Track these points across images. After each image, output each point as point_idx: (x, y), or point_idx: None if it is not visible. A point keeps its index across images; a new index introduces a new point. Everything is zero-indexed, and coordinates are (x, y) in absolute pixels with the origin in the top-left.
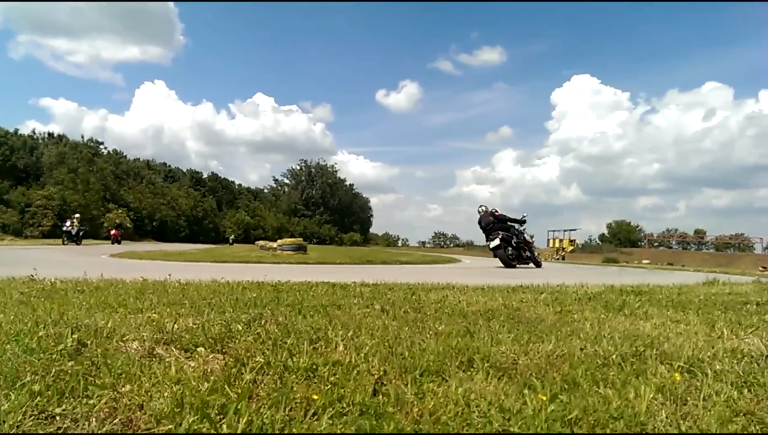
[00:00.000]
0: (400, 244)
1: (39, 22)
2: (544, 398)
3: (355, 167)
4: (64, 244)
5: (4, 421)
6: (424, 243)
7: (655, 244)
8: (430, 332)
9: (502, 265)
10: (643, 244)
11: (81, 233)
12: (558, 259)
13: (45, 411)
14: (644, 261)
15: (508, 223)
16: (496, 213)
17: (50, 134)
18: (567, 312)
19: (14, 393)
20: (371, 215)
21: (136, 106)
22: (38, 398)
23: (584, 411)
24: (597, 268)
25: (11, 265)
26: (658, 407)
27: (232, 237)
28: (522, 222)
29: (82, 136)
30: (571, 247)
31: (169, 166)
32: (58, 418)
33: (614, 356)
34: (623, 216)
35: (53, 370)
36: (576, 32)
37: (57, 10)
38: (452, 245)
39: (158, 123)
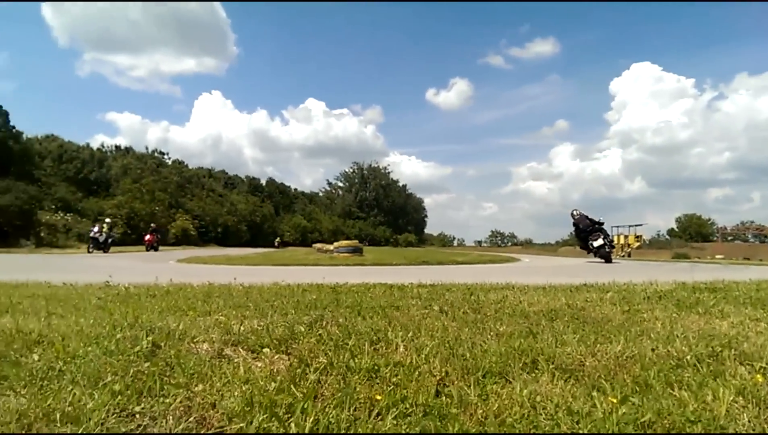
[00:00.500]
0: (455, 244)
1: (101, 40)
2: (615, 400)
3: (407, 168)
4: (89, 251)
5: (89, 419)
6: (480, 242)
7: (729, 238)
8: (491, 333)
9: (600, 260)
10: (715, 238)
11: (110, 241)
12: (623, 256)
13: (125, 409)
14: (718, 256)
15: (598, 225)
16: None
17: (117, 147)
18: (636, 311)
19: (97, 392)
20: (425, 216)
21: (195, 116)
22: (119, 397)
23: (658, 414)
24: (666, 264)
25: (88, 272)
26: (739, 410)
27: (278, 239)
28: (602, 223)
29: (147, 148)
30: (637, 243)
31: (228, 173)
32: (137, 416)
33: (689, 357)
34: (692, 209)
35: (131, 371)
36: (632, 18)
37: (117, 27)
38: (509, 244)
39: (216, 132)
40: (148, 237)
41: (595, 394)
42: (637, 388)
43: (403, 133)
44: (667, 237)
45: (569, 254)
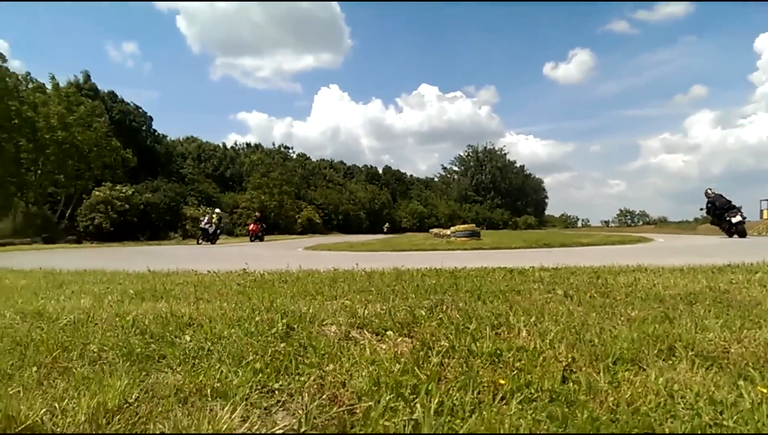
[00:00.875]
0: (579, 225)
1: (229, 45)
2: (765, 390)
3: (524, 148)
4: (198, 243)
5: (235, 394)
6: (607, 222)
7: None
8: (622, 318)
9: (735, 237)
10: None
11: (219, 232)
12: None
13: (266, 386)
14: None
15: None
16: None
17: (248, 144)
18: None
19: (241, 370)
20: (545, 196)
21: (315, 110)
22: (260, 375)
23: None
24: None
25: (227, 260)
26: None
27: (386, 225)
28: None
29: (273, 143)
30: None
31: (346, 163)
32: (276, 392)
33: None
34: None
35: (269, 351)
36: None
37: (241, 31)
38: (640, 223)
39: (335, 124)
40: (251, 226)
41: (741, 383)
42: None
43: (520, 112)
44: None
45: (709, 232)
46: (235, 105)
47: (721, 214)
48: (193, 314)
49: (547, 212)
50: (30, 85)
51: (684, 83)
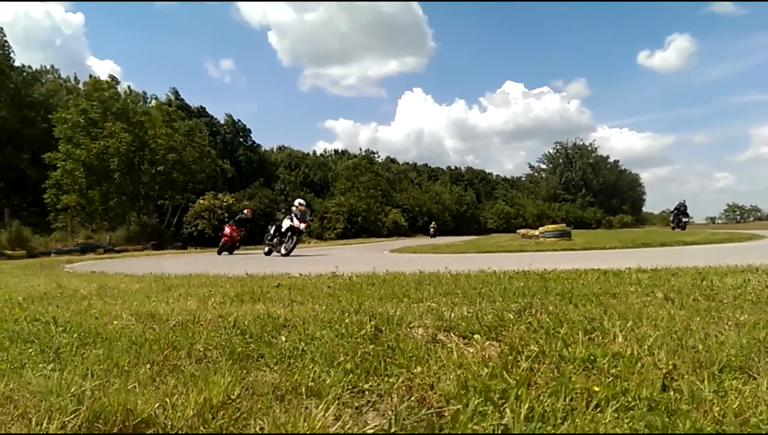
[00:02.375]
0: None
1: (317, 55)
2: None
3: (618, 142)
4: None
5: (328, 393)
6: (713, 219)
7: None
8: (729, 323)
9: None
10: None
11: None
12: None
13: (356, 386)
14: None
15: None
16: None
17: (335, 150)
18: None
19: (333, 370)
20: (643, 193)
21: (399, 114)
22: (350, 375)
23: None
24: None
25: (317, 264)
26: None
27: (433, 225)
28: None
29: (360, 149)
30: None
31: (430, 166)
32: (366, 392)
33: None
34: None
35: (359, 352)
36: None
37: (329, 41)
38: (752, 219)
39: (419, 127)
40: (227, 229)
41: None
42: None
43: (613, 105)
44: None
45: None
46: (322, 113)
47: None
48: (287, 316)
49: (645, 210)
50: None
51: None
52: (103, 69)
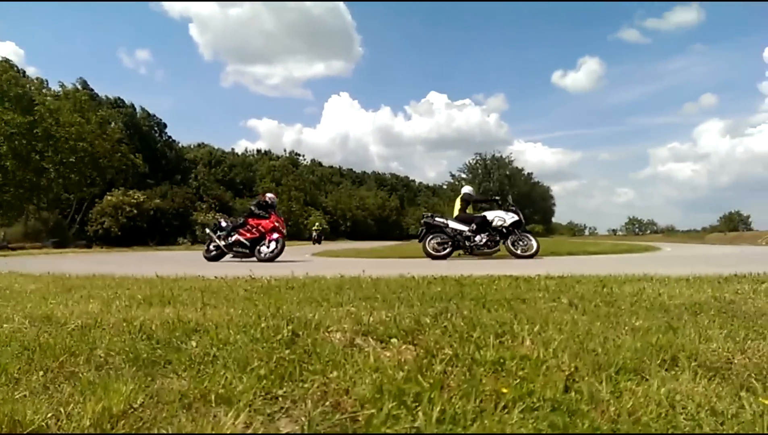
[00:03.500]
0: (587, 233)
1: (241, 52)
2: (767, 402)
3: (532, 155)
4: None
5: (239, 400)
6: (615, 231)
7: None
8: (626, 328)
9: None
10: None
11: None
12: None
13: (270, 392)
14: None
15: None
16: None
17: (258, 150)
18: None
19: (246, 376)
20: (553, 204)
21: (325, 118)
22: (264, 381)
23: None
24: None
25: (234, 267)
26: None
27: (317, 227)
28: None
29: (284, 150)
30: None
31: (355, 171)
32: (280, 399)
33: None
34: None
35: (274, 357)
36: None
37: (253, 39)
38: (648, 232)
39: (344, 131)
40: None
41: (743, 394)
42: None
43: (528, 120)
44: None
45: (717, 241)
46: (245, 112)
47: None
48: (199, 320)
49: (554, 220)
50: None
51: (694, 92)
52: (3, 51)
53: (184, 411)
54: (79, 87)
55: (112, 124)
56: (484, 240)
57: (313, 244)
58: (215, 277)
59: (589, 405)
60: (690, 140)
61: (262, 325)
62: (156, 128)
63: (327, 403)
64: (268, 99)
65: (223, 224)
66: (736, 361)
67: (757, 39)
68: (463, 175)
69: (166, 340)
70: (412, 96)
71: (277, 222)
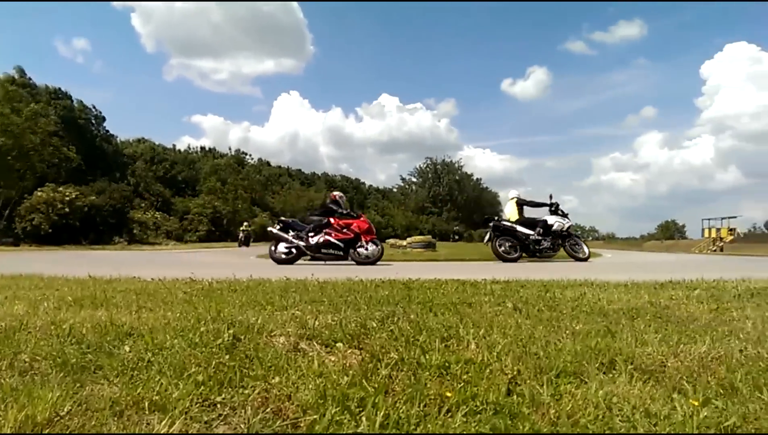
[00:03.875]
0: None
1: (186, 45)
2: (696, 403)
3: (481, 161)
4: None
5: (175, 407)
6: None
7: None
8: (567, 332)
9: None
10: None
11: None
12: (715, 250)
13: (208, 399)
14: None
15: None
16: None
17: (202, 148)
18: (724, 310)
19: (182, 382)
20: (500, 210)
21: (274, 116)
22: (202, 388)
23: (743, 418)
24: (763, 259)
25: (175, 268)
26: None
27: (243, 229)
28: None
29: (230, 148)
30: (730, 237)
31: (304, 171)
32: (219, 406)
33: None
34: None
35: (213, 363)
36: None
37: (200, 32)
38: (590, 238)
39: (293, 131)
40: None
41: (675, 396)
42: (722, 391)
43: (478, 126)
44: (765, 230)
45: (654, 249)
46: (189, 107)
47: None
48: (134, 323)
49: None
50: None
51: (636, 104)
52: None
53: (115, 419)
54: (16, 76)
55: (46, 117)
56: (549, 244)
57: (239, 246)
58: (152, 278)
59: (530, 408)
60: (631, 151)
61: (202, 329)
62: (94, 121)
63: (268, 410)
64: (214, 95)
65: (289, 223)
66: (669, 365)
67: (696, 57)
68: (414, 179)
69: (97, 345)
70: (363, 98)
71: (361, 221)
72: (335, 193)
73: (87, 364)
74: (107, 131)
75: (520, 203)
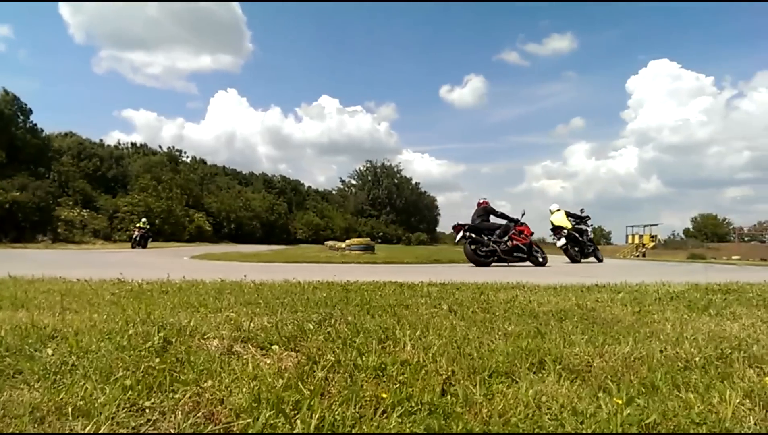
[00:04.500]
0: None
1: (117, 37)
2: (620, 402)
3: (420, 165)
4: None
5: (100, 413)
6: None
7: (746, 238)
8: (500, 333)
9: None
10: (732, 238)
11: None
12: (638, 255)
13: (136, 404)
14: (734, 257)
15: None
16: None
17: (133, 144)
18: (646, 312)
19: (108, 387)
20: (438, 214)
21: (210, 114)
22: (129, 392)
23: (663, 415)
24: (681, 265)
25: (103, 268)
26: (746, 413)
27: (139, 226)
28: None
29: (160, 146)
30: (652, 244)
31: (241, 171)
32: (147, 410)
33: (697, 359)
34: (709, 209)
35: (142, 366)
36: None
37: (133, 24)
38: None
39: (231, 129)
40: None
41: (600, 395)
42: (644, 390)
43: (417, 131)
44: (683, 237)
45: None
46: (120, 101)
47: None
48: (57, 326)
49: (438, 229)
50: None
51: (566, 115)
52: None
53: (35, 425)
54: None
55: None
56: (592, 248)
57: (133, 247)
58: (78, 279)
59: (463, 407)
60: (561, 159)
61: (130, 331)
62: (20, 114)
63: (199, 414)
64: (147, 89)
65: (476, 227)
66: (595, 365)
67: (622, 71)
68: (353, 182)
69: (17, 348)
70: (303, 98)
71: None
72: (483, 198)
73: (5, 367)
74: (34, 124)
75: (568, 214)
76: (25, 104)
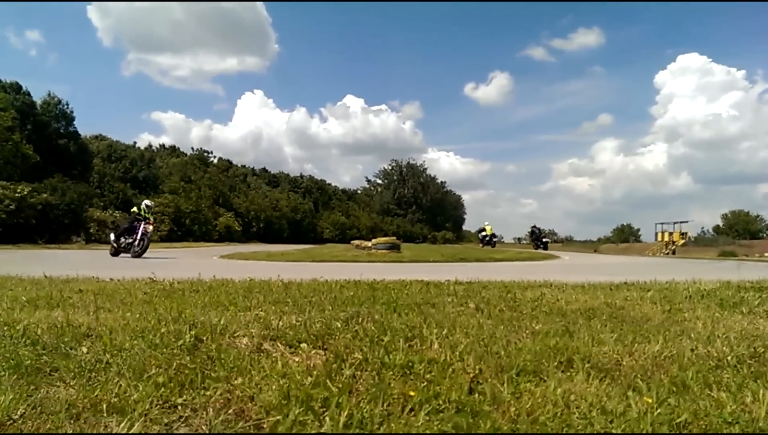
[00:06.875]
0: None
1: (145, 40)
2: (650, 401)
3: (445, 164)
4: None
5: (134, 410)
6: (519, 239)
7: None
8: (527, 331)
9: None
10: (764, 235)
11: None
12: (668, 253)
13: (168, 401)
14: (767, 254)
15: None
16: None
17: (163, 145)
18: (676, 311)
19: (141, 384)
20: (463, 213)
21: (237, 115)
22: (162, 389)
23: (694, 415)
24: (712, 262)
25: (134, 268)
26: None
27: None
28: None
29: (192, 148)
30: (682, 241)
31: (270, 171)
32: (179, 407)
33: (729, 358)
34: (741, 205)
35: (174, 364)
36: (679, 7)
37: (160, 28)
38: (549, 241)
39: (257, 130)
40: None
41: (630, 393)
42: (674, 389)
43: (442, 129)
44: (714, 234)
45: (610, 252)
46: (148, 104)
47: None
48: (92, 324)
49: (464, 228)
50: None
51: (593, 111)
52: None
53: (71, 422)
54: None
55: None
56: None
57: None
58: (111, 279)
59: (491, 406)
60: (587, 157)
61: (162, 330)
62: (62, 118)
63: (230, 411)
64: (175, 91)
65: None
66: (624, 363)
67: (650, 65)
68: (379, 181)
69: (53, 346)
70: (328, 98)
71: None
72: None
73: (42, 365)
74: (76, 130)
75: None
76: (69, 108)
